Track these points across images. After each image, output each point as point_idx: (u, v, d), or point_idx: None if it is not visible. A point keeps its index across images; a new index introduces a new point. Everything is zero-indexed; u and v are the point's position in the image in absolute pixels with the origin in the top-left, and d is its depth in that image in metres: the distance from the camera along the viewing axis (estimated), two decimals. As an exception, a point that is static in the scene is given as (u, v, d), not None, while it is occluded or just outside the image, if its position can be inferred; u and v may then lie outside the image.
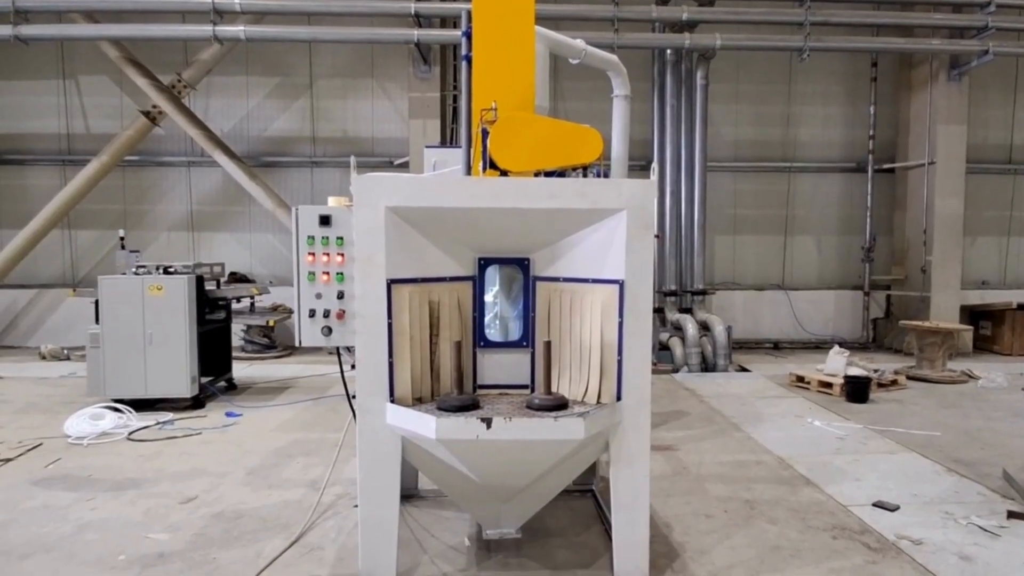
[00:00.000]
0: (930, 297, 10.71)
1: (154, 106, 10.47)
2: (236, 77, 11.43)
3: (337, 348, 3.73)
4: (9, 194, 11.58)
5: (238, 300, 8.34)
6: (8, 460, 5.49)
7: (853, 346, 10.80)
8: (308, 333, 3.55)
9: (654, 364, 9.31)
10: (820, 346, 11.17)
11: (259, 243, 11.70)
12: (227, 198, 11.54)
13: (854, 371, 7.83)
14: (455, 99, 10.80)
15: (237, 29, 9.35)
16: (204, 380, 7.39)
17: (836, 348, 8.29)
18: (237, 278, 10.15)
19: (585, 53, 5.40)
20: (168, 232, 11.66)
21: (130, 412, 6.63)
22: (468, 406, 3.19)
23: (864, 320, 11.77)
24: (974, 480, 5.03)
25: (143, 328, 6.90)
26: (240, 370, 9.09)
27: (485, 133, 3.43)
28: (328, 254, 3.54)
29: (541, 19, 4.60)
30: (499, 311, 3.70)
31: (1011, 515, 4.33)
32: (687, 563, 3.76)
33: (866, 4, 10.22)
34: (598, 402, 3.35)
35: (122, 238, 8.19)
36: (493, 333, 3.65)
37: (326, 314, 3.56)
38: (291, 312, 7.85)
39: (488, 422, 3.02)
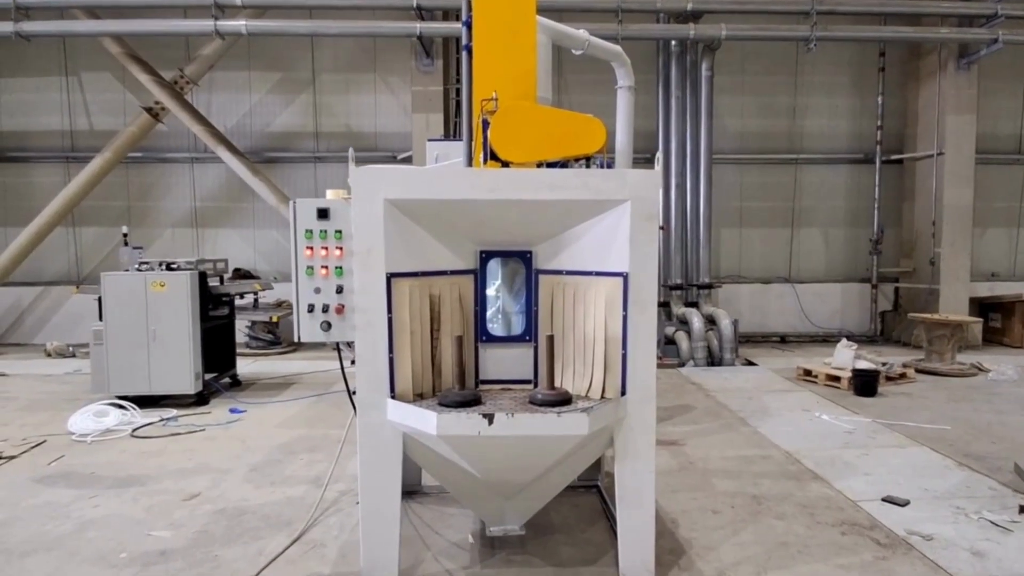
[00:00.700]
0: (939, 289, 10.60)
1: (157, 102, 10.44)
2: (238, 72, 11.40)
3: (337, 343, 3.68)
4: (14, 191, 11.59)
5: (241, 296, 8.32)
6: (11, 457, 5.48)
7: (861, 339, 10.70)
8: (307, 328, 3.50)
9: (660, 358, 9.25)
10: (827, 339, 11.08)
11: (263, 239, 11.68)
12: (231, 194, 11.53)
13: (862, 364, 7.75)
14: (458, 92, 10.72)
15: (239, 24, 9.31)
16: (208, 376, 7.38)
17: (844, 341, 8.21)
18: (241, 274, 10.13)
19: (588, 44, 5.33)
20: (172, 229, 11.66)
21: (134, 409, 6.62)
22: (470, 402, 3.14)
23: (872, 313, 11.67)
24: (985, 474, 4.96)
25: (146, 325, 6.88)
26: (244, 366, 9.07)
27: (486, 124, 3.38)
28: (327, 248, 3.48)
29: (544, 10, 4.54)
30: (501, 305, 3.64)
31: (1023, 510, 4.26)
32: (693, 560, 3.71)
33: (873, -7, 10.10)
34: (602, 397, 3.29)
35: (125, 235, 8.17)
36: (495, 327, 3.59)
37: (325, 309, 3.51)
38: (294, 308, 7.81)
39: (490, 418, 2.97)
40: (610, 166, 4.92)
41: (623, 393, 3.26)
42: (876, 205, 11.51)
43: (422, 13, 9.48)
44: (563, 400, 3.15)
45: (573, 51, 5.36)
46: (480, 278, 3.47)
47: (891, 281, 11.64)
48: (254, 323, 10.49)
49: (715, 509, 4.40)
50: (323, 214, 3.48)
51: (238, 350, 8.55)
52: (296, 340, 3.53)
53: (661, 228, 9.56)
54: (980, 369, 8.67)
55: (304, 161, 11.58)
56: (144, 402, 6.85)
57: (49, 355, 10.20)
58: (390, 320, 3.17)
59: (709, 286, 10.36)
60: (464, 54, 3.86)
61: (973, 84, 10.56)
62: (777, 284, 11.68)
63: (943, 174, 10.61)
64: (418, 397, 3.30)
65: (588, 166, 3.64)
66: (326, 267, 3.51)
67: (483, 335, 3.52)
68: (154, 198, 11.63)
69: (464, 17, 3.84)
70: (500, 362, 3.54)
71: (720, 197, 10.99)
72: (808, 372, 8.24)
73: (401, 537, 3.35)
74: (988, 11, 9.64)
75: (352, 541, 3.86)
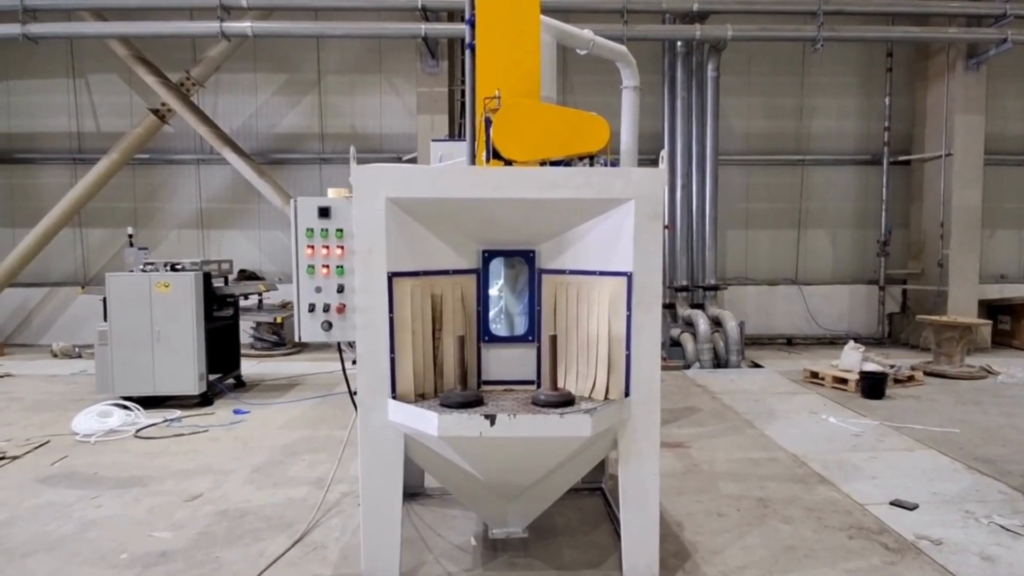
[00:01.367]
0: (947, 291, 10.51)
1: (163, 104, 10.47)
2: (244, 74, 11.42)
3: (338, 343, 3.65)
4: (21, 192, 11.65)
5: (246, 297, 8.31)
6: (15, 458, 5.48)
7: (868, 341, 10.61)
8: (308, 328, 3.47)
9: (665, 360, 9.20)
10: (834, 341, 11.02)
11: (268, 240, 11.69)
12: (236, 196, 11.55)
13: (870, 366, 7.68)
14: (463, 94, 10.71)
15: (244, 25, 9.32)
16: (212, 377, 7.37)
17: (851, 343, 8.14)
18: (246, 275, 10.12)
19: (593, 43, 5.30)
20: (178, 230, 11.68)
21: (138, 410, 6.62)
22: (471, 402, 3.10)
23: (879, 315, 11.57)
24: (995, 478, 4.89)
25: (151, 325, 6.88)
26: (249, 367, 9.07)
27: (488, 122, 3.35)
28: (328, 247, 3.46)
29: (549, 10, 4.51)
30: (504, 305, 3.61)
31: (1034, 514, 4.20)
32: (698, 564, 3.66)
33: (881, -7, 10.03)
34: (606, 398, 3.25)
35: (131, 235, 8.17)
36: (498, 327, 3.56)
37: (326, 308, 3.49)
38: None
39: (492, 419, 2.94)
40: (615, 166, 4.88)
41: (627, 394, 3.22)
42: (884, 206, 11.42)
43: (427, 14, 9.48)
44: (566, 401, 3.11)
45: (578, 51, 5.33)
46: (482, 278, 3.43)
47: (899, 283, 11.55)
48: (259, 324, 10.49)
49: (720, 512, 4.35)
50: (324, 213, 3.46)
51: (243, 351, 8.54)
52: (297, 340, 3.51)
53: (666, 227, 9.53)
54: (989, 372, 8.58)
55: (309, 163, 11.59)
56: (148, 403, 6.85)
57: (55, 356, 10.23)
58: (391, 320, 3.14)
59: (715, 288, 10.30)
60: (467, 52, 3.83)
61: (982, 84, 10.48)
62: (784, 286, 11.61)
63: (951, 175, 10.52)
64: (420, 398, 3.27)
65: (592, 165, 3.61)
66: (327, 266, 3.48)
67: (485, 335, 3.49)
68: (160, 199, 11.66)
69: (467, 15, 3.81)
70: (502, 363, 3.50)
71: (726, 198, 10.93)
72: (815, 374, 8.17)
73: (403, 539, 3.32)
74: (997, 11, 9.56)
75: (354, 543, 3.84)
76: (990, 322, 10.25)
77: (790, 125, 11.53)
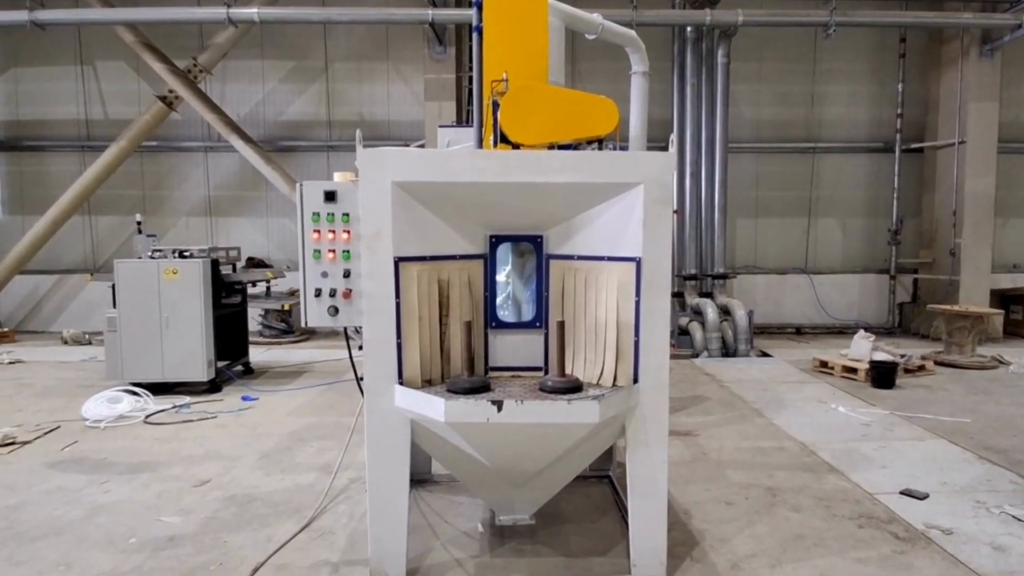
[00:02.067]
0: (959, 280, 10.41)
1: (170, 91, 10.45)
2: (251, 61, 11.38)
3: (344, 329, 3.63)
4: (31, 180, 11.69)
5: (254, 284, 8.32)
6: (26, 443, 5.52)
7: (878, 331, 10.52)
8: (314, 313, 3.45)
9: (673, 347, 9.16)
10: (844, 331, 10.94)
11: (276, 228, 11.70)
12: (244, 183, 11.55)
13: (880, 356, 7.62)
14: (470, 80, 10.63)
15: (251, 11, 9.27)
16: (221, 364, 7.40)
17: (861, 332, 8.08)
18: (254, 263, 10.13)
19: (602, 28, 5.24)
20: (187, 218, 11.70)
21: (147, 396, 6.65)
22: (479, 388, 3.08)
23: (890, 304, 11.49)
24: (1006, 468, 4.84)
25: (159, 312, 6.90)
26: (257, 355, 9.09)
27: (496, 105, 3.30)
28: (334, 231, 3.43)
29: (557, -7, 4.45)
30: (511, 290, 3.58)
31: (1047, 504, 4.16)
32: (707, 551, 3.64)
33: (895, -23, 9.89)
34: (614, 385, 3.23)
35: (139, 222, 8.18)
36: (505, 313, 3.53)
37: (332, 293, 3.46)
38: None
39: (499, 405, 2.91)
40: (623, 151, 4.83)
41: (635, 381, 3.19)
42: (895, 195, 11.30)
43: (434, 0, 9.39)
44: (574, 387, 3.09)
45: (586, 35, 5.27)
46: (490, 263, 3.40)
47: (910, 272, 11.45)
48: (267, 311, 10.52)
49: (729, 500, 4.33)
50: (330, 197, 3.43)
51: (251, 338, 8.56)
52: (304, 325, 3.49)
53: (675, 212, 9.44)
54: (1001, 362, 8.50)
55: (317, 150, 11.57)
56: (157, 389, 6.88)
57: (66, 342, 10.29)
58: (398, 305, 3.12)
59: (724, 276, 10.24)
60: (475, 35, 3.79)
61: (996, 71, 10.32)
62: (793, 275, 11.52)
63: (964, 163, 10.39)
64: (426, 383, 3.25)
65: (601, 150, 3.56)
66: (333, 251, 3.45)
67: (493, 321, 3.46)
68: (169, 187, 11.67)
69: (475, -2, 3.77)
70: (510, 349, 3.48)
71: (736, 186, 10.83)
72: (824, 364, 8.12)
73: (410, 525, 3.31)
74: (1013, -4, 9.41)
75: (361, 529, 3.84)
76: (1002, 312, 10.15)
77: (801, 112, 11.40)
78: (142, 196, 11.61)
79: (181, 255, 7.15)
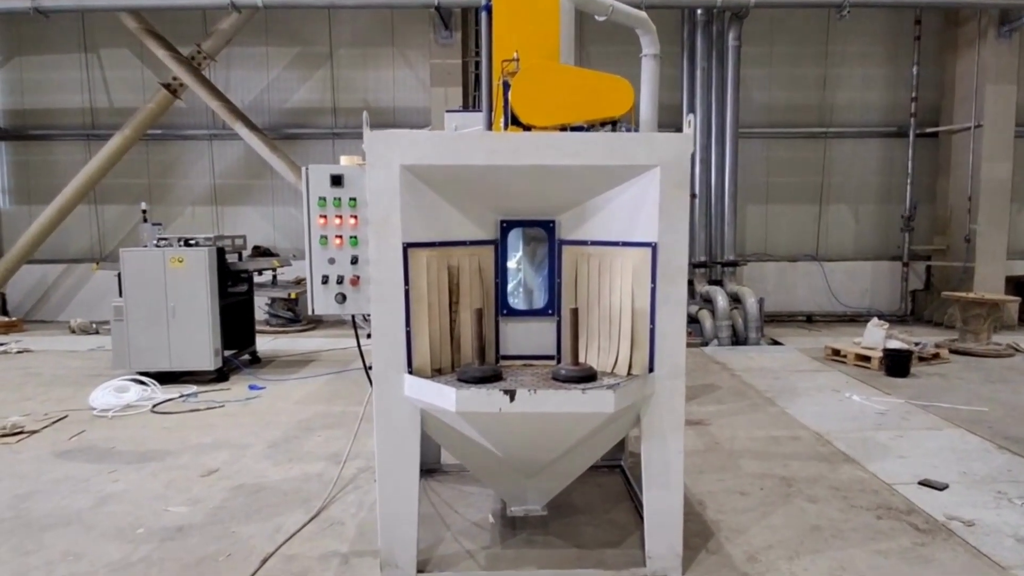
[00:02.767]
0: (974, 267, 10.25)
1: (175, 78, 10.37)
2: (256, 48, 11.28)
3: (352, 316, 3.56)
4: (36, 169, 11.66)
5: (260, 273, 8.27)
6: (34, 432, 5.49)
7: (891, 319, 10.35)
8: (321, 301, 3.37)
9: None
10: (855, 319, 10.82)
11: (282, 216, 11.64)
12: (249, 171, 11.48)
13: (894, 344, 7.51)
14: (477, 65, 10.50)
15: (255, -4, 9.16)
16: (228, 353, 7.36)
17: (875, 320, 7.96)
18: (260, 252, 10.06)
19: (612, 9, 5.09)
20: (192, 207, 11.66)
21: (155, 385, 6.62)
22: (490, 377, 3.00)
23: (903, 292, 11.34)
24: (1027, 457, 4.75)
25: (166, 301, 6.85)
26: (264, 343, 9.06)
27: (506, 86, 3.20)
28: (341, 216, 3.34)
29: (567, -28, 4.32)
30: (523, 277, 3.49)
31: (1070, 495, 4.06)
32: (722, 543, 3.57)
33: (911, -43, 9.67)
34: (629, 373, 3.14)
35: (144, 211, 8.12)
36: (516, 300, 3.45)
37: (339, 280, 3.38)
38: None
39: (511, 394, 2.84)
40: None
41: (651, 369, 3.11)
42: (909, 180, 11.12)
43: (441, -17, 9.25)
44: (588, 376, 3.01)
45: (596, 17, 5.12)
46: (501, 249, 3.31)
47: (923, 259, 11.29)
48: (274, 300, 10.47)
49: (743, 491, 4.25)
50: (337, 181, 3.33)
51: (258, 327, 8.52)
52: (311, 313, 3.41)
53: (693, 196, 9.31)
54: (1017, 350, 8.38)
55: (322, 137, 11.48)
56: (164, 378, 6.85)
57: (73, 332, 10.29)
58: (407, 292, 3.04)
59: (734, 264, 10.12)
60: (484, 15, 3.68)
61: (1014, 53, 10.11)
62: (804, 262, 11.39)
63: (981, 147, 10.20)
64: (436, 372, 3.17)
65: (615, 131, 3.45)
66: (340, 236, 3.36)
67: (504, 308, 3.38)
68: (174, 176, 11.62)
69: (484, -25, 3.65)
70: (521, 337, 3.39)
71: (746, 172, 10.68)
72: (837, 352, 8.01)
73: (420, 516, 3.24)
74: (1033, -25, 9.19)
75: (370, 519, 3.79)
76: (1018, 299, 9.95)
77: (813, 97, 11.22)
78: (147, 185, 11.56)
79: (187, 244, 7.10)
